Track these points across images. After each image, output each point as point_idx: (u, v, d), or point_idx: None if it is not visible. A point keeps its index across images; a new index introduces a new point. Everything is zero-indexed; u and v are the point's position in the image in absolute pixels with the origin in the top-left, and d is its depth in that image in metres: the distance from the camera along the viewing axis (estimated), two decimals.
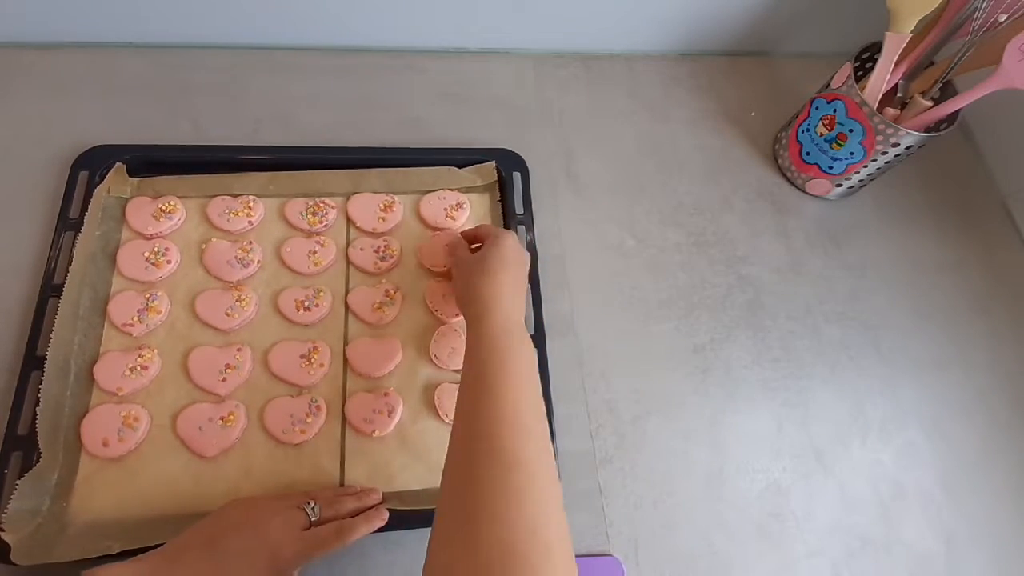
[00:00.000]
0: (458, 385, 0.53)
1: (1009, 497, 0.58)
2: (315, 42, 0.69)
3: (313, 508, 0.44)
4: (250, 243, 0.56)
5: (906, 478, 0.58)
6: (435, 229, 0.60)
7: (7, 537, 0.43)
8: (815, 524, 0.55)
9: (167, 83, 0.65)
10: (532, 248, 0.60)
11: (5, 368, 0.50)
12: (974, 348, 0.64)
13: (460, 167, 0.62)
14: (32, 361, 0.49)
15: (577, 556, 0.50)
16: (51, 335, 0.49)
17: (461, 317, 0.56)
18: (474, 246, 0.55)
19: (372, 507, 0.47)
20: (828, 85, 0.64)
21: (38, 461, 0.46)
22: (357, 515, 0.46)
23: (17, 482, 0.45)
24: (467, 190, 0.62)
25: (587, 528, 0.52)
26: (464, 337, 0.56)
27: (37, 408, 0.47)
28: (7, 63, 0.63)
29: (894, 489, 0.57)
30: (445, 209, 0.61)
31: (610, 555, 0.51)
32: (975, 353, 0.64)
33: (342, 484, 0.50)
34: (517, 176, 0.63)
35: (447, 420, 0.52)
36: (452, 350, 0.55)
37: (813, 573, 0.53)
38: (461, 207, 0.61)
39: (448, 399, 0.53)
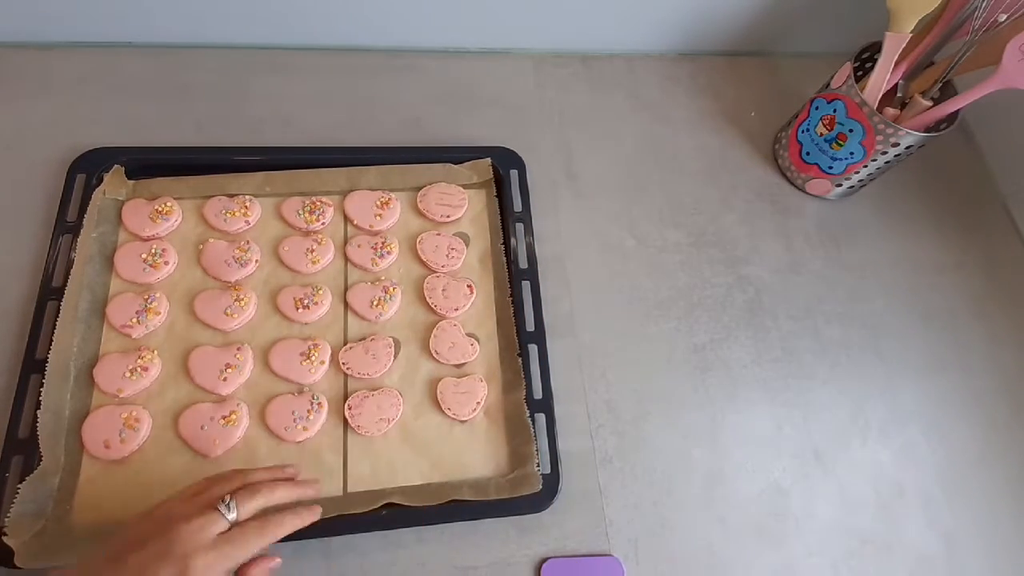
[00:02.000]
0: (460, 379, 0.54)
1: (1008, 497, 0.58)
2: (315, 42, 0.69)
3: (228, 506, 0.38)
4: (247, 243, 0.56)
5: (906, 478, 0.58)
6: (433, 223, 0.61)
7: (11, 541, 0.43)
8: (815, 524, 0.55)
9: (167, 83, 0.65)
10: (531, 248, 0.60)
11: (5, 371, 0.50)
12: (973, 349, 0.65)
13: (456, 164, 0.63)
14: (31, 364, 0.49)
15: (577, 556, 0.51)
16: (51, 338, 0.49)
17: (460, 312, 0.57)
18: None
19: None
20: (828, 85, 0.64)
21: (39, 464, 0.46)
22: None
23: (19, 486, 0.45)
24: (464, 186, 0.62)
25: (587, 528, 0.52)
26: (464, 332, 0.56)
27: (37, 411, 0.47)
28: (5, 63, 0.63)
29: (894, 489, 0.57)
30: (442, 205, 0.61)
31: (610, 555, 0.51)
32: (974, 354, 0.64)
33: (344, 481, 0.50)
34: (514, 174, 0.63)
35: (449, 414, 0.53)
36: (452, 345, 0.55)
37: (813, 573, 0.53)
38: (458, 203, 0.61)
39: (450, 393, 0.53)
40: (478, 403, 0.53)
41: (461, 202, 0.61)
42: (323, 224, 0.58)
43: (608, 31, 0.72)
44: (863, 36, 0.62)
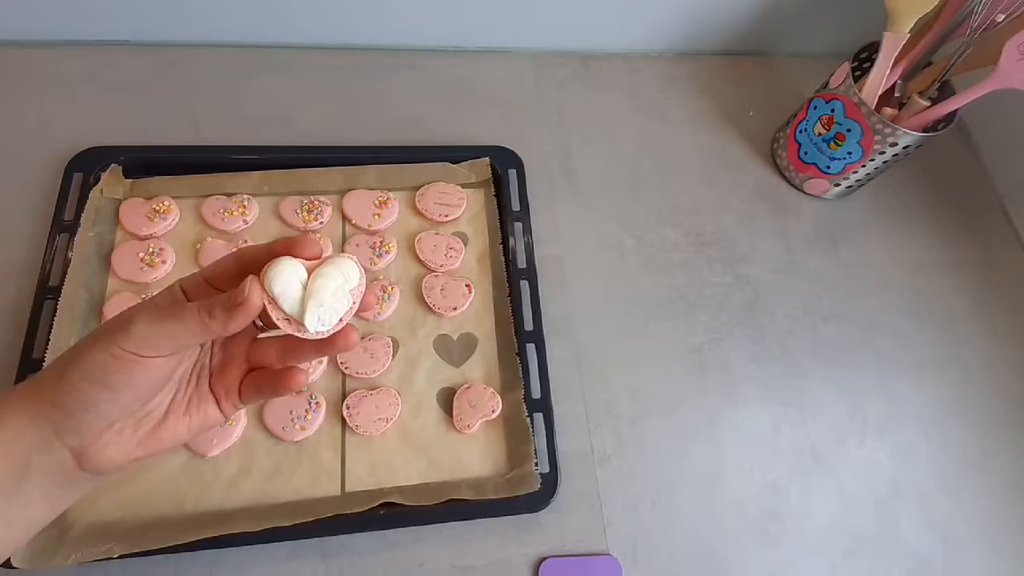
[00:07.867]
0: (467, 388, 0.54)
1: (1006, 496, 0.58)
2: (313, 41, 0.69)
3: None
4: (245, 242, 0.56)
5: (904, 477, 0.58)
6: (431, 222, 0.61)
7: None
8: (813, 523, 0.55)
9: (165, 82, 0.65)
10: (530, 248, 0.60)
11: (2, 371, 0.50)
12: (971, 348, 0.65)
13: (455, 163, 0.63)
14: (29, 364, 0.49)
15: (575, 556, 0.51)
16: (48, 338, 0.49)
17: (458, 311, 0.56)
18: None
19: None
20: (826, 85, 0.64)
21: None
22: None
23: None
24: (462, 186, 0.62)
25: (585, 528, 0.52)
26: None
27: None
28: (1, 61, 0.63)
29: (892, 488, 0.57)
30: (441, 204, 0.61)
31: (608, 555, 0.51)
32: (972, 353, 0.64)
33: (343, 481, 0.50)
34: (513, 173, 0.63)
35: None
36: None
37: (811, 572, 0.53)
38: (457, 202, 0.61)
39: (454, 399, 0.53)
40: (483, 416, 0.53)
41: (460, 201, 0.61)
42: (321, 223, 0.58)
43: (608, 31, 0.72)
44: (862, 36, 0.62)
